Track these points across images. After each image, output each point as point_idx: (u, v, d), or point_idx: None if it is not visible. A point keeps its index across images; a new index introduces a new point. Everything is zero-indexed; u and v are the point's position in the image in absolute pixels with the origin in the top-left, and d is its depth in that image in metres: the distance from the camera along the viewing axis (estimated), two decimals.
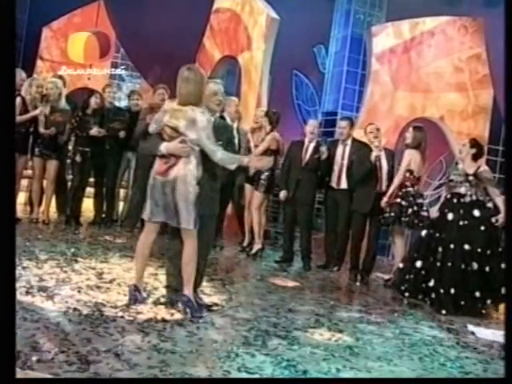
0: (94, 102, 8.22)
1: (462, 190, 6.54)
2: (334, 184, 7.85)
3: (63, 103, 8.04)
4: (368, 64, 10.72)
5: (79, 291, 4.93)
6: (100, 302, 4.70)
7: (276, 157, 8.09)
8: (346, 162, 7.79)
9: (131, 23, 13.08)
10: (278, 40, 10.86)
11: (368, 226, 7.54)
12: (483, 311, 6.26)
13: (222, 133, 4.88)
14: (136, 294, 4.81)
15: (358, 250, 7.58)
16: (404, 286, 6.56)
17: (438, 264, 6.34)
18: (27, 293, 4.62)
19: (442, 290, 6.24)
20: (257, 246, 8.08)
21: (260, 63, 10.74)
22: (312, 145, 7.83)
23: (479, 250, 6.26)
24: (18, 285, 4.61)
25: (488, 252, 6.27)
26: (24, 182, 8.78)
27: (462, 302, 6.19)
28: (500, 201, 6.35)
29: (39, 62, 13.98)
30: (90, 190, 8.79)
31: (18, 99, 7.46)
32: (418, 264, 6.48)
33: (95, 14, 13.93)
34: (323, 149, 7.70)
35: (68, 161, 8.37)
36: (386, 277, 7.59)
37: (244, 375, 3.59)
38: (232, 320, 4.81)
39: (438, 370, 4.30)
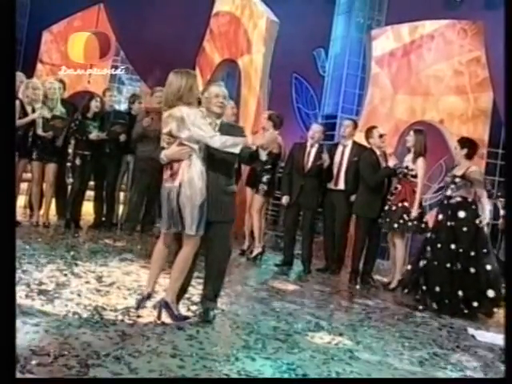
0: (94, 105, 8.21)
1: (449, 191, 6.60)
2: (331, 185, 7.86)
3: (60, 107, 8.02)
4: (368, 67, 10.71)
5: (79, 295, 4.92)
6: (100, 305, 4.69)
7: (277, 160, 8.11)
8: (344, 162, 7.81)
9: (131, 26, 13.10)
10: (277, 43, 10.84)
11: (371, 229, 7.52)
12: (466, 311, 6.28)
13: (234, 134, 4.62)
14: (145, 302, 4.71)
15: (360, 254, 7.56)
16: (408, 288, 6.64)
17: (425, 262, 6.45)
18: (27, 296, 4.62)
19: (424, 287, 6.39)
20: (257, 250, 8.08)
21: (260, 66, 10.72)
22: (314, 150, 7.83)
23: (461, 250, 6.32)
24: (17, 288, 4.60)
25: (472, 253, 6.32)
26: (23, 186, 8.76)
27: (446, 301, 6.27)
28: (486, 202, 6.44)
29: (39, 66, 14.01)
30: (89, 194, 8.78)
31: (17, 102, 7.45)
32: (420, 264, 6.55)
33: (95, 17, 13.95)
34: (325, 156, 7.70)
35: (68, 164, 8.36)
36: (386, 280, 7.59)
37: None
38: (232, 323, 4.81)
39: (438, 373, 4.30)
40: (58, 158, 8.06)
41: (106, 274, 5.82)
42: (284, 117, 8.36)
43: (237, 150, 4.42)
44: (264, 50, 10.71)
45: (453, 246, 6.34)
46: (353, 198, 7.64)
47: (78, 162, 8.11)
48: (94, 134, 8.07)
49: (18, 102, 7.50)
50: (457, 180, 6.52)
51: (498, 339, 5.26)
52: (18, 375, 3.05)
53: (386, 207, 7.28)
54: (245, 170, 8.32)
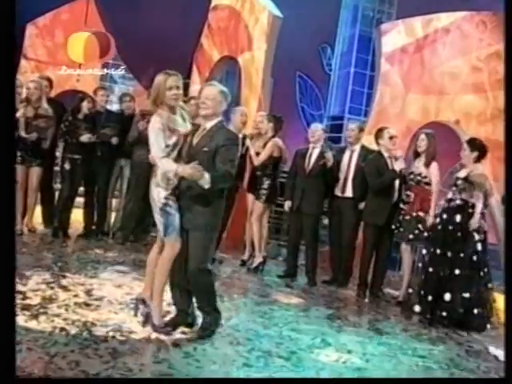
0: (85, 106, 8.15)
1: (450, 194, 6.63)
2: (338, 192, 7.81)
3: (45, 106, 7.99)
4: (377, 65, 10.73)
5: (67, 309, 4.89)
6: (89, 321, 4.66)
7: (278, 164, 8.08)
8: (352, 168, 7.77)
9: (124, 21, 13.09)
10: (280, 39, 10.87)
11: (380, 238, 7.48)
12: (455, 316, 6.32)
13: (218, 140, 4.61)
14: (141, 308, 4.76)
15: (368, 265, 7.51)
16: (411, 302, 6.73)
17: (423, 270, 6.58)
18: None
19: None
20: (258, 260, 8.04)
21: (261, 64, 10.76)
22: (316, 151, 7.81)
23: (449, 253, 6.41)
24: None
25: (461, 255, 6.38)
26: None
27: (452, 309, 6.32)
28: (479, 206, 6.40)
29: (23, 62, 13.91)
30: (79, 200, 8.74)
31: None
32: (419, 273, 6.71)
33: (84, 9, 13.95)
34: (329, 155, 7.65)
35: (56, 168, 8.33)
36: (397, 293, 7.55)
37: None
38: (232, 339, 4.79)
39: None
40: (43, 161, 8.03)
41: (97, 287, 5.78)
42: (287, 118, 8.34)
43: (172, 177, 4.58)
44: (266, 47, 10.76)
45: (449, 254, 6.41)
46: (361, 205, 7.60)
47: (67, 166, 8.07)
48: (85, 136, 8.02)
49: None
50: (459, 182, 6.53)
51: None
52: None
53: (400, 217, 7.23)
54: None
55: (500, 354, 5.53)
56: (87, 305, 5.13)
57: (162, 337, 4.50)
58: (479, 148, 6.69)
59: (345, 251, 7.79)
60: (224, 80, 12.95)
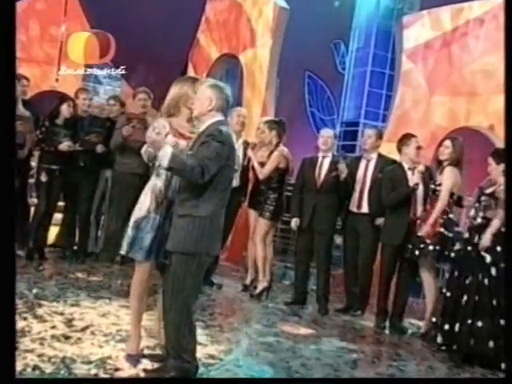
0: (65, 110, 8.13)
1: (472, 211, 6.63)
2: (354, 207, 7.82)
3: (21, 109, 7.97)
4: (398, 62, 10.70)
5: (42, 343, 4.85)
6: (69, 356, 4.63)
7: (284, 176, 8.07)
8: (368, 180, 7.78)
9: (109, 13, 13.14)
10: (287, 35, 10.86)
11: (399, 260, 7.43)
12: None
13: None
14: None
15: (387, 290, 7.48)
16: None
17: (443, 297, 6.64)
18: None
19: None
20: (262, 285, 8.00)
21: (266, 63, 10.75)
22: (327, 161, 7.82)
23: (463, 277, 6.41)
24: None
25: (471, 278, 6.37)
26: None
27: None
28: (494, 224, 6.27)
29: None
30: (58, 217, 8.72)
31: None
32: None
33: None
34: (342, 166, 7.64)
35: (31, 181, 8.30)
36: (421, 323, 7.50)
37: None
38: (233, 376, 4.77)
39: None
40: (17, 172, 8.00)
41: (78, 317, 5.74)
42: (295, 124, 8.33)
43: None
44: (271, 43, 10.76)
45: (464, 277, 6.40)
46: (379, 221, 7.58)
47: (43, 178, 8.04)
48: (65, 144, 7.99)
49: None
50: (483, 198, 6.49)
51: None
52: None
53: (425, 232, 7.16)
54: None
55: None
56: (66, 337, 5.09)
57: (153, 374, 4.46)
58: (505, 158, 6.62)
59: (361, 275, 7.77)
60: (224, 81, 12.97)
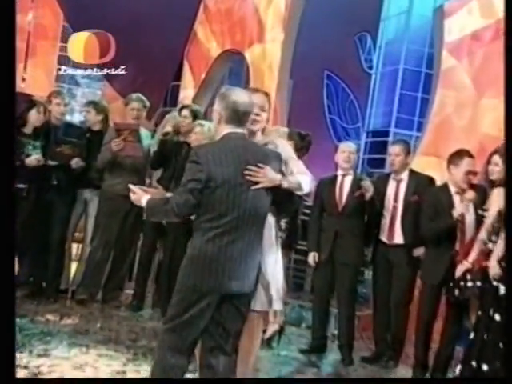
0: (34, 116, 8.10)
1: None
2: (384, 238, 7.76)
3: None
4: (437, 59, 10.61)
5: None
6: None
7: (300, 198, 7.96)
8: (400, 204, 7.72)
9: (89, 1, 13.16)
10: (302, 27, 10.81)
11: (441, 301, 7.36)
12: None
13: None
14: None
15: (427, 337, 7.37)
16: None
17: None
18: None
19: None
20: (273, 328, 7.87)
21: (277, 61, 10.74)
22: (348, 179, 7.81)
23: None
24: None
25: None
26: None
27: None
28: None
29: None
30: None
31: None
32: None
33: None
34: (367, 183, 7.56)
35: None
36: None
37: None
38: None
39: None
40: None
41: (47, 370, 5.66)
42: (311, 134, 8.23)
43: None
44: (282, 38, 10.78)
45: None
46: (418, 252, 7.49)
47: None
48: (34, 158, 7.92)
49: None
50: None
51: None
52: None
53: (465, 269, 7.06)
54: None
55: None
56: None
57: None
58: None
59: (394, 316, 7.71)
60: (226, 82, 12.98)
